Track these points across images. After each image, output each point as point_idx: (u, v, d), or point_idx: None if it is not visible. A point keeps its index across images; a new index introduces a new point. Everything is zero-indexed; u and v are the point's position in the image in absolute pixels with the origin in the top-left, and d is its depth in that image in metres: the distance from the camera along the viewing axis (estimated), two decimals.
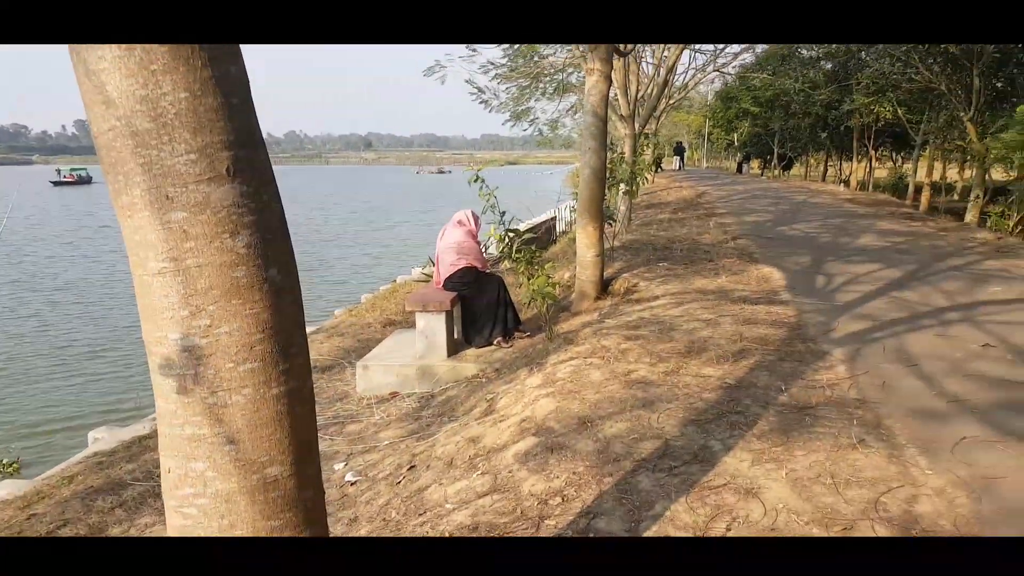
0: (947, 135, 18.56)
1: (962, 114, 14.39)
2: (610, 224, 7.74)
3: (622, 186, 9.81)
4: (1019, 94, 13.51)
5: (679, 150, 43.88)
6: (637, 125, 11.09)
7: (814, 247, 9.26)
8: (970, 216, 14.39)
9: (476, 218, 6.23)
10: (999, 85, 14.42)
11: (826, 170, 33.41)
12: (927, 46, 13.77)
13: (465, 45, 11.91)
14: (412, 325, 6.18)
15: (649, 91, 13.04)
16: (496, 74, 14.11)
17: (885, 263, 7.75)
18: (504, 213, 5.94)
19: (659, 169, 40.44)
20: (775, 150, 34.62)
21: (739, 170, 40.75)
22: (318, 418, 5.23)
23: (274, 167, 1.50)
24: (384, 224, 37.61)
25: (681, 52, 12.49)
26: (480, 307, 6.12)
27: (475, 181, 5.79)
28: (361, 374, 5.84)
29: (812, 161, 35.47)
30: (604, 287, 6.67)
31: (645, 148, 29.50)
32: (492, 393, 4.67)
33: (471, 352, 6.02)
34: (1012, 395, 3.65)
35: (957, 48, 12.92)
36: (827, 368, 4.14)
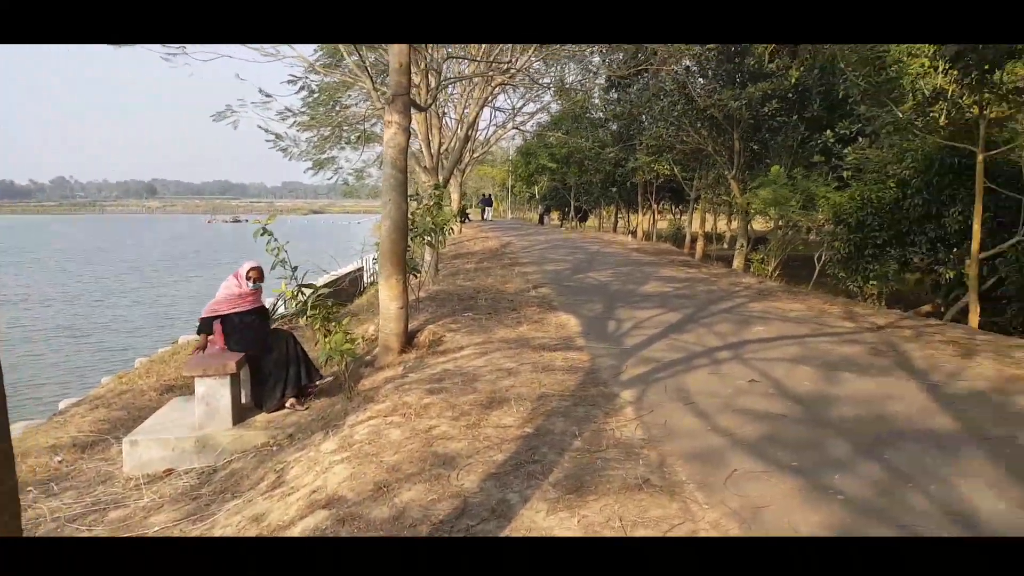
0: (716, 191, 21.08)
1: (727, 172, 16.41)
2: (414, 275, 7.68)
3: (428, 237, 9.86)
4: (771, 155, 15.67)
5: (486, 202, 45.43)
6: (441, 177, 11.25)
7: (606, 294, 9.89)
8: (736, 263, 16.31)
9: (258, 270, 5.82)
10: (755, 147, 16.65)
11: (616, 222, 36.35)
12: (696, 113, 15.61)
13: (259, 90, 11.44)
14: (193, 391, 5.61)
15: (452, 144, 13.36)
16: (295, 121, 13.73)
17: (666, 307, 8.44)
18: (296, 268, 5.64)
19: (466, 220, 41.58)
20: (572, 203, 37.05)
21: (540, 221, 42.98)
22: (73, 505, 4.56)
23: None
24: (166, 279, 34.11)
25: (481, 109, 12.99)
26: (269, 366, 5.70)
27: (261, 234, 5.43)
28: (128, 451, 5.13)
29: (605, 213, 38.36)
30: (409, 340, 6.57)
31: (450, 200, 30.16)
32: (282, 463, 4.34)
33: (261, 418, 5.55)
34: (774, 427, 4.06)
35: (719, 113, 14.77)
36: (616, 411, 4.34)
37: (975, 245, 9.09)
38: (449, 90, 17.02)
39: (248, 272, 5.81)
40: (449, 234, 9.39)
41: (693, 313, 8.09)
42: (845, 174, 12.74)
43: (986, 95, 8.84)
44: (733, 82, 14.64)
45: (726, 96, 13.83)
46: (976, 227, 9.00)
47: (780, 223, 14.43)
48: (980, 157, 8.95)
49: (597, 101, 28.48)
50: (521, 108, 34.31)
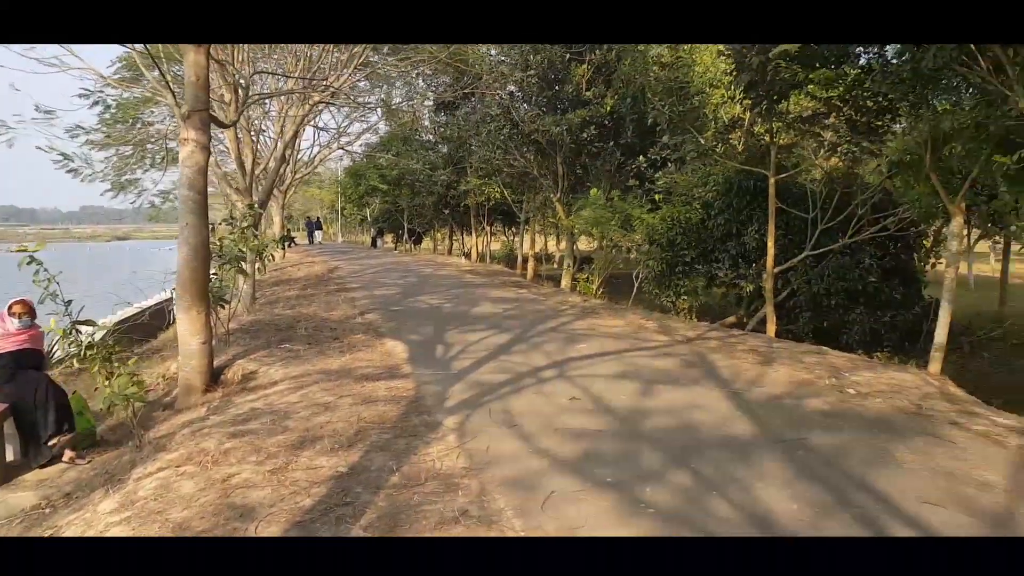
0: (544, 213, 21.79)
1: (552, 195, 16.98)
2: (221, 306, 7.06)
3: (244, 264, 9.17)
4: (592, 179, 16.44)
5: (315, 225, 43.80)
6: (256, 199, 10.58)
7: (437, 318, 9.73)
8: (564, 282, 16.89)
9: (23, 303, 5.02)
10: (578, 171, 17.37)
11: (451, 244, 36.56)
12: (521, 138, 16.03)
13: (37, 108, 10.16)
14: None
15: (270, 164, 12.65)
16: (88, 140, 12.36)
17: (496, 329, 8.44)
18: (71, 302, 4.90)
19: (291, 244, 39.80)
20: (405, 225, 36.74)
21: (373, 244, 42.14)
22: None
23: None
24: None
25: (300, 128, 12.44)
26: (28, 411, 4.90)
27: (27, 263, 4.68)
28: None
29: (439, 235, 38.42)
30: (215, 377, 5.98)
31: (272, 223, 28.75)
32: (53, 527, 3.70)
33: (32, 477, 4.75)
34: (592, 444, 4.08)
35: (543, 139, 15.26)
36: (439, 439, 4.17)
37: (770, 260, 10.02)
38: (268, 106, 16.22)
39: (11, 307, 4.99)
40: (269, 260, 8.78)
41: (521, 333, 8.14)
42: (657, 197, 13.61)
43: (776, 123, 9.82)
44: (554, 108, 15.22)
45: (548, 122, 14.33)
46: (770, 244, 9.92)
47: (603, 243, 15.15)
48: (772, 180, 9.89)
49: (428, 123, 28.61)
50: (346, 128, 33.59)
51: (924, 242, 11.40)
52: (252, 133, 12.72)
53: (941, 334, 7.74)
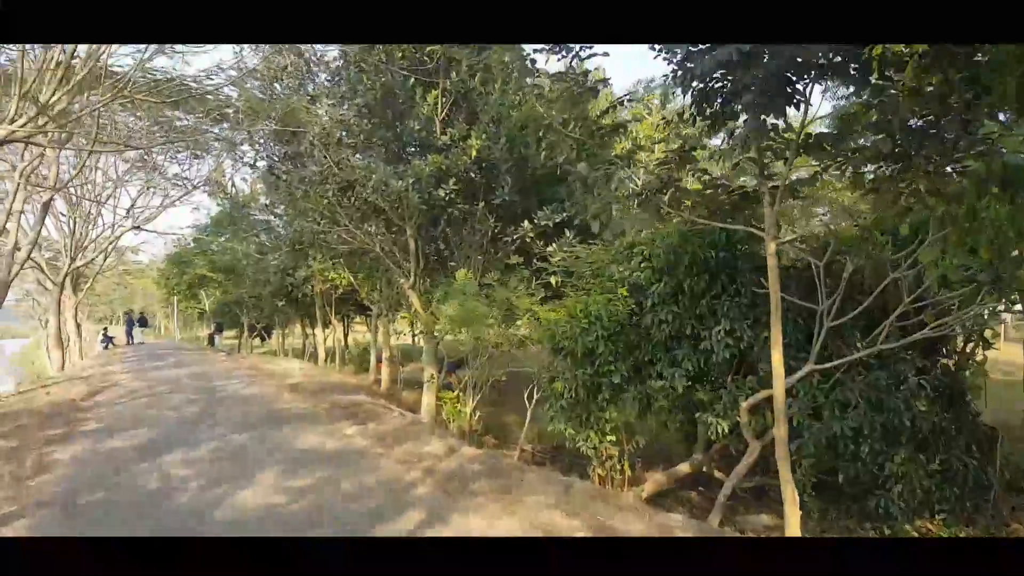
0: (397, 302, 16.77)
1: (402, 281, 12.08)
2: None
3: None
4: (459, 257, 11.76)
5: (138, 321, 36.31)
6: None
7: (153, 519, 4.53)
8: (426, 400, 11.83)
9: None
10: (440, 246, 12.55)
11: (305, 340, 30.65)
12: (353, 201, 11.19)
13: None
14: None
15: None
16: None
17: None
18: None
19: (107, 344, 32.31)
20: (244, 321, 30.58)
21: (211, 342, 35.31)
22: None
23: None
24: None
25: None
26: None
27: None
28: None
29: (287, 331, 32.38)
30: None
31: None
32: None
33: None
34: None
35: (384, 201, 10.47)
36: None
37: (779, 389, 5.60)
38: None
39: None
40: None
41: None
42: (553, 280, 9.15)
43: (776, 140, 5.58)
44: (397, 156, 10.55)
45: (384, 173, 9.60)
46: (776, 358, 5.53)
47: (477, 345, 10.31)
48: (771, 246, 5.60)
49: (264, 200, 23.21)
50: (149, 201, 27.75)
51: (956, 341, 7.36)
52: None
53: None
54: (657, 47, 5.56)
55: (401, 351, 18.70)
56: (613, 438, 7.45)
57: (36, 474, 6.71)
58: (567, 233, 9.21)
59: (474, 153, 9.71)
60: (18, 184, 12.14)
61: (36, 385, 15.30)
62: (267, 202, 22.20)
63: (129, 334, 35.01)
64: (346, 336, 27.81)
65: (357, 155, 10.97)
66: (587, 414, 7.37)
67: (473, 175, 9.96)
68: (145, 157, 22.74)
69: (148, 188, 24.71)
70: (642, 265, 7.59)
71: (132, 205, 25.47)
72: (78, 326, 28.78)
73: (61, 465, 7.07)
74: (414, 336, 18.68)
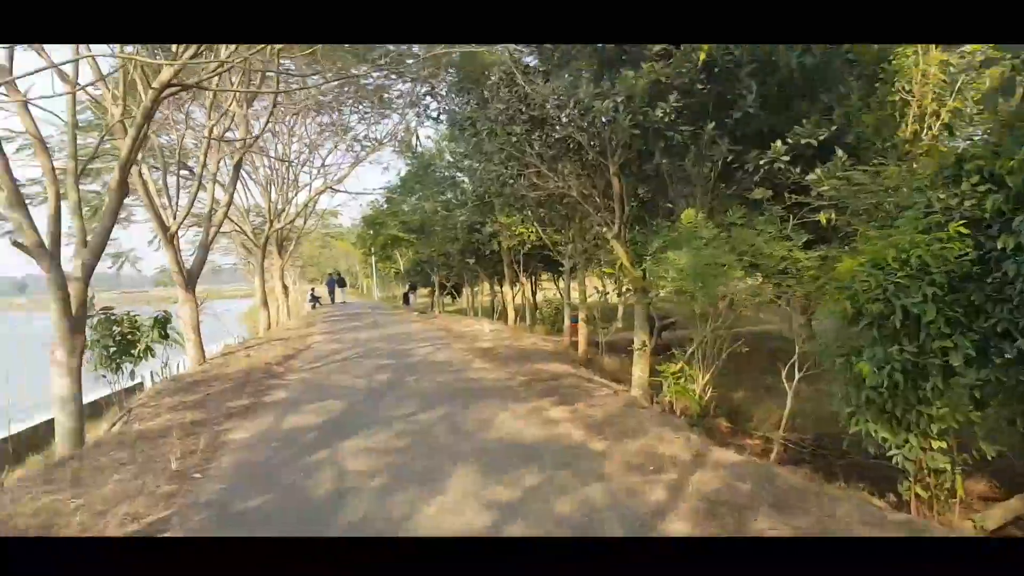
0: (597, 257, 14.85)
1: (605, 231, 10.09)
2: None
3: None
4: (676, 196, 9.53)
5: (338, 282, 38.08)
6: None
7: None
8: (637, 372, 9.85)
9: None
10: (651, 187, 10.38)
11: (493, 298, 29.95)
12: (543, 136, 9.33)
13: None
14: None
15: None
16: None
17: None
18: None
19: (315, 304, 34.07)
20: (435, 279, 30.49)
21: (405, 301, 36.10)
22: None
23: None
24: None
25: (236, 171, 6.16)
26: None
27: None
28: None
29: (477, 289, 31.89)
30: None
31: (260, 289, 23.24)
32: None
33: None
34: None
35: (582, 134, 8.50)
36: None
37: None
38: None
39: None
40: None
41: None
42: (822, 218, 6.71)
43: None
44: (599, 74, 8.44)
45: (586, 94, 7.56)
46: None
47: (712, 305, 8.06)
48: None
49: (449, 156, 22.36)
50: (340, 161, 28.06)
51: None
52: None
53: None
54: None
55: (601, 311, 16.83)
56: (943, 444, 5.00)
57: (203, 462, 5.73)
58: (838, 152, 6.67)
59: (703, 58, 7.38)
60: (208, 143, 11.70)
61: (239, 347, 15.49)
62: (451, 159, 21.32)
63: (332, 293, 36.81)
64: (534, 294, 26.52)
65: (548, 82, 9.03)
66: (907, 410, 4.96)
67: (700, 86, 7.63)
68: (335, 120, 22.76)
69: (337, 148, 24.94)
70: (980, 189, 4.98)
71: (322, 163, 25.94)
72: (285, 287, 30.26)
73: (231, 450, 6.09)
74: (604, 295, 16.64)
